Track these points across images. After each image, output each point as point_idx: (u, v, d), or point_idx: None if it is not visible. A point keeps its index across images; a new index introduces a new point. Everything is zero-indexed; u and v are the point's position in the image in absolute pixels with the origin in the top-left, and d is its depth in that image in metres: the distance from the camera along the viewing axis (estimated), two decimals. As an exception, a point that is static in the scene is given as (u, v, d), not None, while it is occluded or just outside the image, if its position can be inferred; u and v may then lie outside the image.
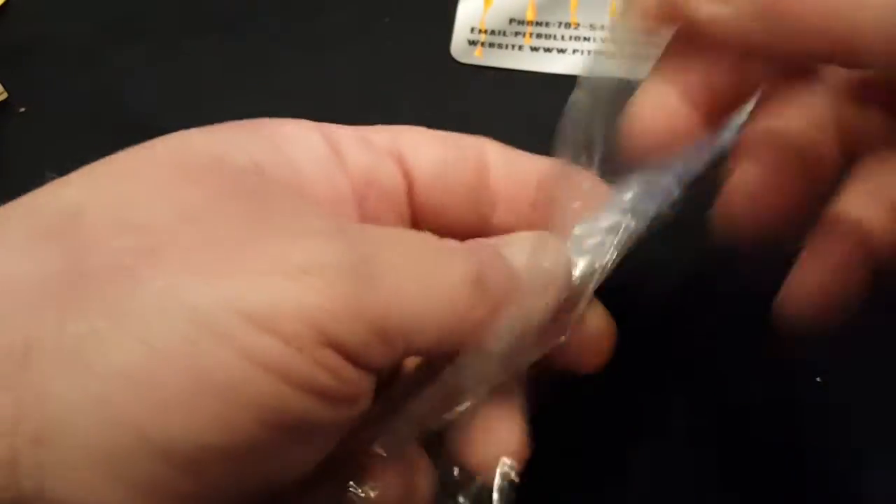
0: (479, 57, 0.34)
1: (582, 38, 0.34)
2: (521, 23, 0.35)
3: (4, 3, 0.38)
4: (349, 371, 0.17)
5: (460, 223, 0.23)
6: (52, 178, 0.19)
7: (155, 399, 0.16)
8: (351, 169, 0.22)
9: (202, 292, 0.16)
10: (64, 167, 0.19)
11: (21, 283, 0.17)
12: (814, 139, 0.21)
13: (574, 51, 0.34)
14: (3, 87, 0.36)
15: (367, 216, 0.22)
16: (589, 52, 0.34)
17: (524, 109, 0.33)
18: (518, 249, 0.21)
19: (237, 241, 0.17)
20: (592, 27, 0.34)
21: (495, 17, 0.35)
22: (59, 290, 0.16)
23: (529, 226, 0.22)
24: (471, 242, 0.21)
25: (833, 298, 0.21)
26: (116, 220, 0.17)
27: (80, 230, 0.17)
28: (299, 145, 0.21)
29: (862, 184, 0.21)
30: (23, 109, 0.36)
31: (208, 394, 0.16)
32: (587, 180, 0.22)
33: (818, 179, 0.21)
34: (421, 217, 0.23)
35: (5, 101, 0.36)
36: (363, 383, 0.18)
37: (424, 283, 0.18)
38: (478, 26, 0.35)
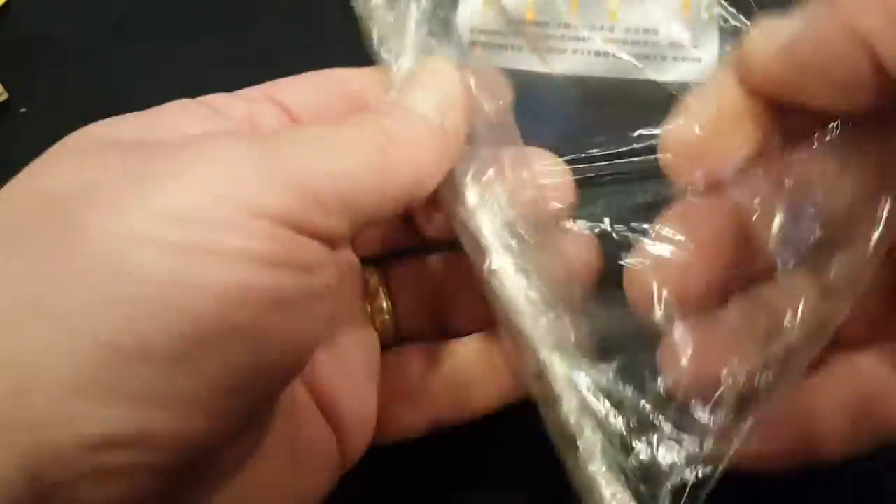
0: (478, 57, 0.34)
1: (581, 39, 0.34)
2: (520, 23, 0.35)
3: (5, 3, 0.38)
4: (293, 236, 0.18)
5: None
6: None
7: (112, 312, 0.17)
8: (230, 117, 0.23)
9: (128, 214, 0.17)
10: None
11: None
12: None
13: (574, 51, 0.34)
14: (3, 87, 0.36)
15: None
16: (589, 52, 0.34)
17: (524, 109, 0.33)
18: (411, 91, 0.23)
19: (137, 171, 0.18)
20: (592, 28, 0.34)
21: (495, 17, 0.35)
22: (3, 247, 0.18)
23: None
24: (373, 107, 0.23)
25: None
26: (33, 193, 0.19)
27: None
28: (182, 114, 0.23)
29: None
30: (23, 109, 0.36)
31: (154, 288, 0.17)
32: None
33: None
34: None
35: (5, 101, 0.36)
36: (316, 251, 0.19)
37: (336, 147, 0.20)
38: (477, 26, 0.35)
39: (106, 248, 0.17)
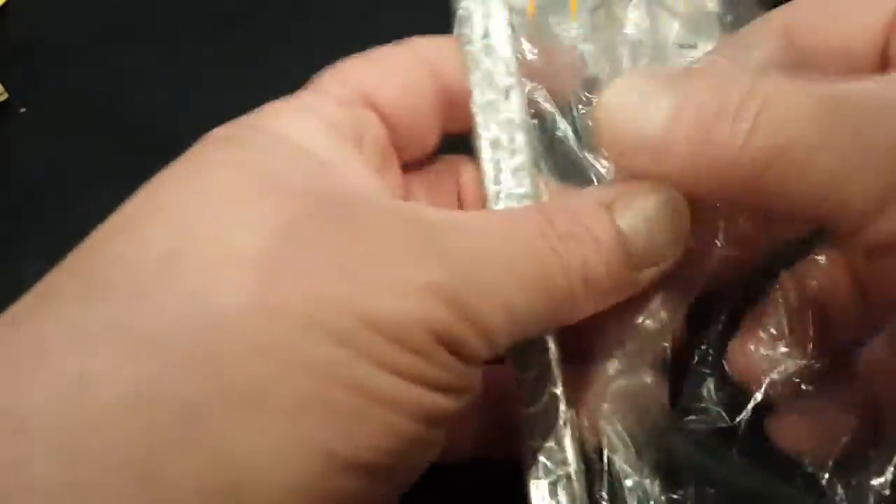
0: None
1: (582, 39, 0.34)
2: (521, 14, 0.34)
3: (4, 3, 0.38)
4: (459, 365, 0.19)
5: (432, 137, 0.24)
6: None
7: (331, 420, 0.17)
8: (344, 132, 0.22)
9: (334, 315, 0.17)
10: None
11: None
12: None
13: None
14: (3, 87, 0.36)
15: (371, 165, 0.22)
16: (588, 52, 0.34)
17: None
18: (625, 209, 0.20)
19: (340, 262, 0.18)
20: (592, 28, 0.34)
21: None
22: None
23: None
24: (581, 216, 0.20)
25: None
26: (218, 255, 0.18)
27: (182, 278, 0.17)
28: (302, 132, 0.21)
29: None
30: (23, 109, 0.36)
31: (373, 405, 0.17)
32: None
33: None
34: (399, 147, 0.24)
35: (5, 101, 0.36)
36: (473, 374, 0.19)
37: (524, 276, 0.19)
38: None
39: (322, 350, 0.17)
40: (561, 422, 0.22)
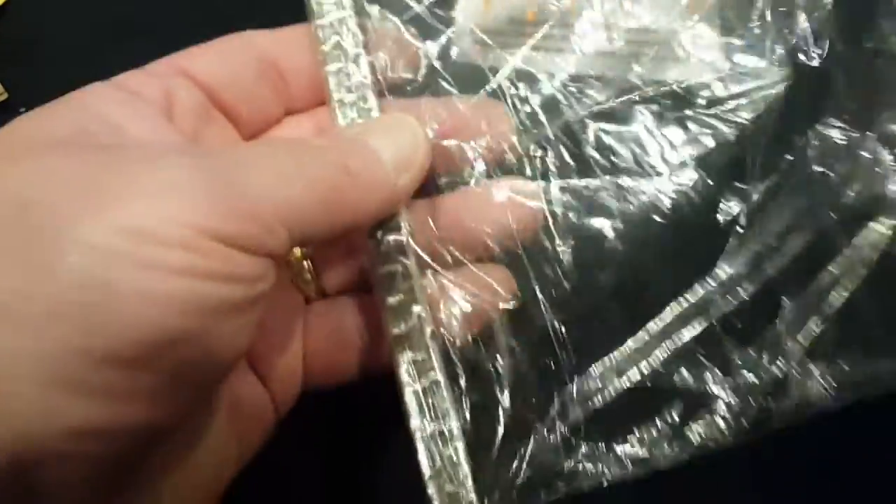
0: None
1: (582, 38, 0.34)
2: (520, 23, 0.34)
3: (5, 3, 0.38)
4: (240, 257, 0.20)
5: (266, 107, 0.28)
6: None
7: (83, 320, 0.18)
8: (148, 99, 0.24)
9: (92, 228, 0.19)
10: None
11: None
12: None
13: (574, 51, 0.34)
14: (4, 87, 0.36)
15: (185, 132, 0.25)
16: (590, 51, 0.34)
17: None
18: (379, 136, 0.25)
19: (93, 184, 0.19)
20: (592, 27, 0.34)
21: (495, 17, 0.35)
22: None
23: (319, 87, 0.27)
24: (336, 137, 0.25)
25: None
26: None
27: None
28: (104, 102, 0.24)
29: None
30: (23, 109, 0.36)
31: (124, 302, 0.19)
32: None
33: None
34: (233, 116, 0.27)
35: (5, 101, 0.36)
36: (258, 265, 0.21)
37: (290, 174, 0.22)
38: (479, 25, 0.35)
39: (72, 260, 0.18)
40: (427, 336, 0.26)
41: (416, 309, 0.26)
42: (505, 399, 0.26)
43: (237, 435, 0.26)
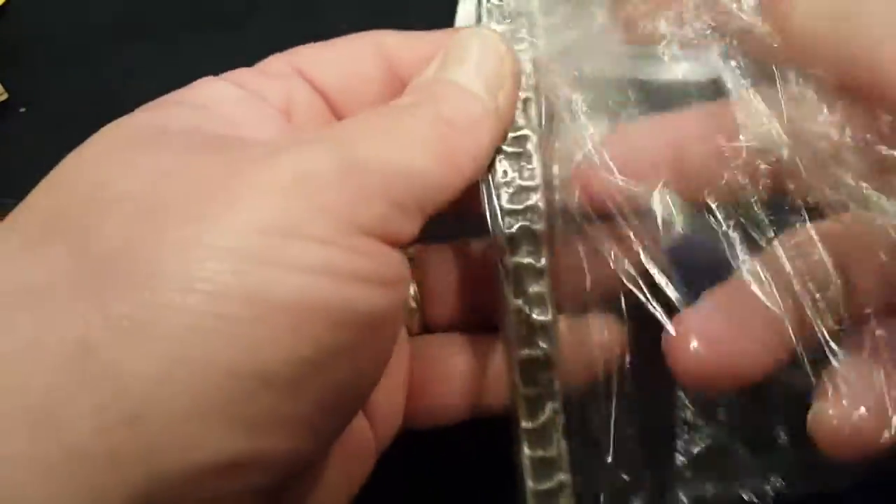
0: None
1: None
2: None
3: (4, 3, 0.38)
4: (384, 249, 0.18)
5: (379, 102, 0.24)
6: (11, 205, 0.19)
7: (230, 336, 0.16)
8: (269, 101, 0.22)
9: (224, 229, 0.16)
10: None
11: (39, 288, 0.16)
12: None
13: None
14: (3, 87, 0.36)
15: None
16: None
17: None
18: (456, 66, 0.22)
19: (220, 183, 0.17)
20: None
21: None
22: (80, 282, 0.16)
23: None
24: (418, 89, 0.22)
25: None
26: (100, 200, 0.18)
27: (72, 221, 0.17)
28: (223, 100, 0.22)
29: None
30: (23, 109, 0.36)
31: (277, 313, 0.16)
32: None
33: None
34: (335, 104, 0.24)
35: (5, 101, 0.36)
36: (398, 260, 0.19)
37: (401, 147, 0.19)
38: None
39: (208, 267, 0.16)
40: (560, 433, 0.23)
41: (552, 406, 0.23)
42: None
43: (346, 470, 0.23)
